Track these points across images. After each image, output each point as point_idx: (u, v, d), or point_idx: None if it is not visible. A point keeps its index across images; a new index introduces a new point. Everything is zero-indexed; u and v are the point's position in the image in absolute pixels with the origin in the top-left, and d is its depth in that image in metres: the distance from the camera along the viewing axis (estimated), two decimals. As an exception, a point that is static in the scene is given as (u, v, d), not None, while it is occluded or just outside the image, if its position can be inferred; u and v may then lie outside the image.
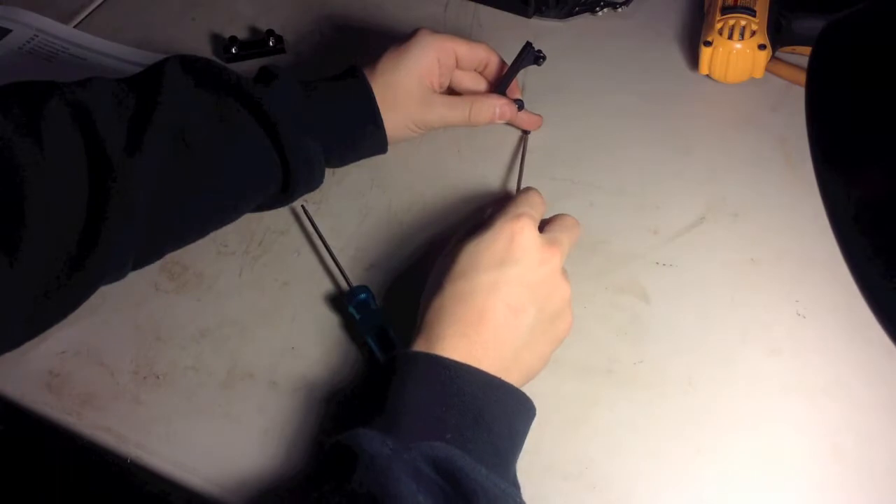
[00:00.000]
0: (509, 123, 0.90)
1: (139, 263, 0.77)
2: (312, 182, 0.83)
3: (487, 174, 0.87)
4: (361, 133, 0.84)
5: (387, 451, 0.57)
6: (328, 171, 0.87)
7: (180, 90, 0.75)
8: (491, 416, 0.61)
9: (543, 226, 0.73)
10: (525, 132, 0.90)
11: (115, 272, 0.75)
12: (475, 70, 0.89)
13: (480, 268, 0.66)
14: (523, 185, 0.83)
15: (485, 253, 0.66)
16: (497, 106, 0.87)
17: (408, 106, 0.84)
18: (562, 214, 0.74)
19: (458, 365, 0.62)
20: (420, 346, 0.64)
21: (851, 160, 0.50)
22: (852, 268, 0.49)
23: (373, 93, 0.83)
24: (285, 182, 0.80)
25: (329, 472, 0.59)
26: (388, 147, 0.86)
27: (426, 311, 0.66)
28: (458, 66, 0.88)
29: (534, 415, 0.66)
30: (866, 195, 0.49)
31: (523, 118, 0.89)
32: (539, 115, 0.90)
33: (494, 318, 0.64)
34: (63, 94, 0.72)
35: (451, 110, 0.86)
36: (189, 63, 0.78)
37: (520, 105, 0.89)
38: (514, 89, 0.91)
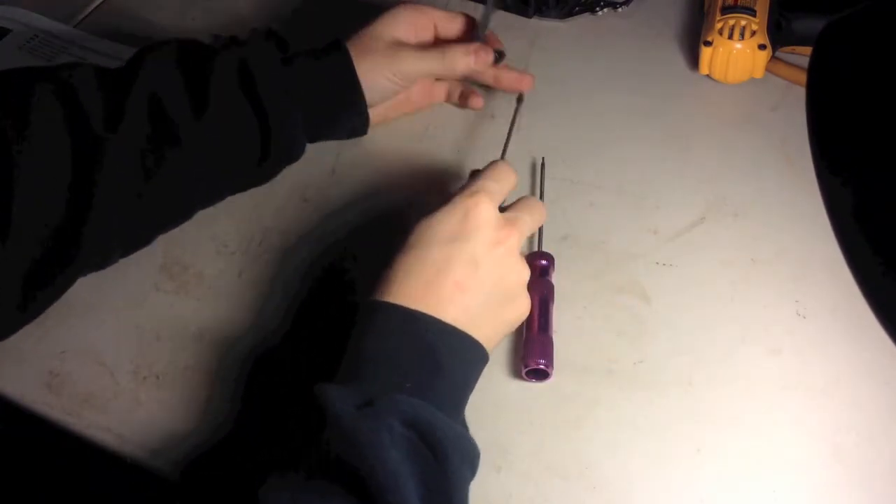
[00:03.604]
0: (499, 88, 0.89)
1: (128, 247, 0.77)
2: (293, 145, 0.82)
3: (487, 174, 0.87)
4: (337, 91, 0.82)
5: (351, 409, 0.58)
6: (328, 173, 0.87)
7: (159, 67, 0.76)
8: (448, 364, 0.62)
9: (508, 206, 0.72)
10: (519, 99, 0.88)
11: (102, 254, 0.75)
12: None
13: (432, 242, 0.65)
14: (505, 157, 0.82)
15: (438, 228, 0.66)
16: (471, 50, 0.84)
17: (380, 53, 0.82)
18: (528, 196, 0.74)
19: (415, 313, 0.63)
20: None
21: (852, 160, 0.50)
22: (853, 268, 0.49)
23: (348, 50, 0.82)
24: (265, 146, 0.79)
25: (302, 425, 0.60)
26: (371, 112, 0.85)
27: (376, 283, 0.66)
28: (436, 35, 0.88)
29: (486, 361, 0.67)
30: (867, 195, 0.49)
31: (510, 77, 0.88)
32: (530, 75, 0.88)
33: (440, 292, 0.64)
34: (49, 76, 0.73)
35: (424, 58, 0.84)
36: (172, 43, 0.79)
37: (499, 55, 0.87)
38: (494, 41, 0.90)
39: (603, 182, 0.86)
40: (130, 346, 0.76)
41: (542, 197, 0.84)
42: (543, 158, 0.86)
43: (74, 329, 0.77)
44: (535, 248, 0.79)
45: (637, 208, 0.84)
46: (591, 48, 0.99)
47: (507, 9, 1.02)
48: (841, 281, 0.57)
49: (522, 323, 0.74)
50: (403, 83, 0.84)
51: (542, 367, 0.71)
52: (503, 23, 1.02)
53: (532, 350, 0.72)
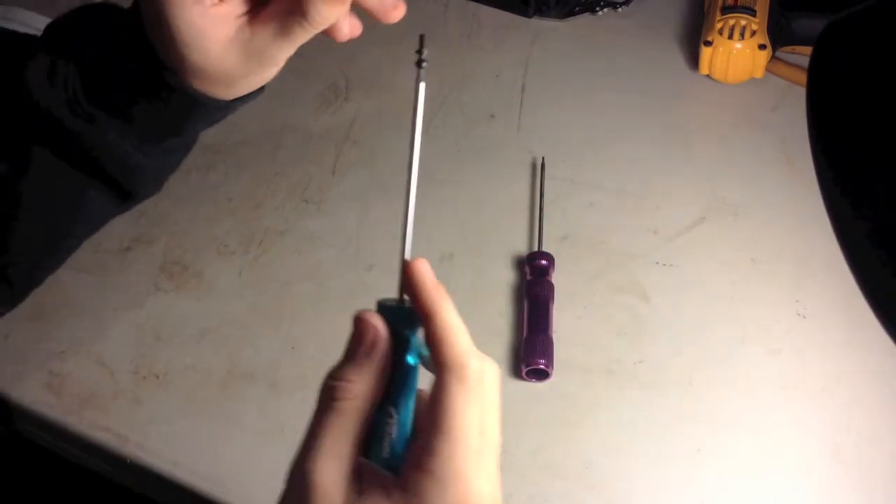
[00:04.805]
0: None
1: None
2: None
3: (487, 173, 0.87)
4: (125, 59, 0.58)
5: None
6: (328, 173, 0.87)
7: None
8: None
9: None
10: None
11: None
12: None
13: None
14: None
15: None
16: None
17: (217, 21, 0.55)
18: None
19: None
20: None
21: (853, 161, 0.49)
22: (852, 267, 0.49)
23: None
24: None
25: None
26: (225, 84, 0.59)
27: None
28: None
29: None
30: (867, 195, 0.49)
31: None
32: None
33: None
34: None
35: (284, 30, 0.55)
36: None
37: None
38: None
39: (603, 182, 0.86)
40: (130, 346, 0.76)
41: (542, 197, 0.83)
42: (543, 158, 0.86)
43: (74, 329, 0.77)
44: (535, 248, 0.79)
45: (637, 208, 0.84)
46: (591, 48, 0.99)
47: (506, 8, 1.02)
48: (841, 281, 0.57)
49: (522, 323, 0.74)
50: (260, 67, 0.58)
51: (542, 366, 0.71)
52: (503, 23, 1.02)
53: (532, 350, 0.72)
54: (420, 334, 0.43)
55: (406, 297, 0.44)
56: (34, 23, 1.05)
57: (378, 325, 0.43)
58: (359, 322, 0.44)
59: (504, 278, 0.79)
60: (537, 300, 0.75)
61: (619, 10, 1.02)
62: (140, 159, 0.63)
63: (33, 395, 0.74)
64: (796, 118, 0.78)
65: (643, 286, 0.78)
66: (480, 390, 0.41)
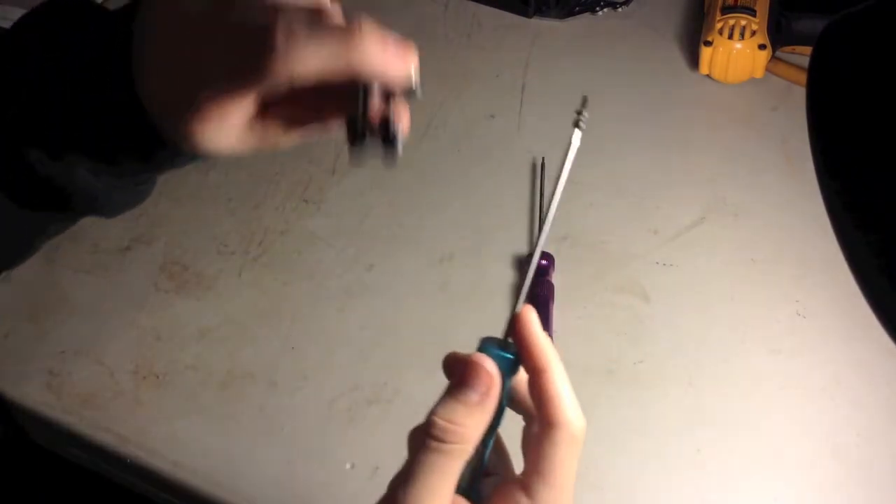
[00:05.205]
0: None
1: None
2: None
3: (487, 173, 0.87)
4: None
5: None
6: (328, 173, 0.87)
7: None
8: None
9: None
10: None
11: None
12: None
13: None
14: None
15: None
16: (388, 42, 0.49)
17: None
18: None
19: None
20: None
21: (853, 160, 0.49)
22: (852, 267, 0.49)
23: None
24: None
25: None
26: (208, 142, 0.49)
27: None
28: None
29: None
30: (867, 195, 0.49)
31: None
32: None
33: None
34: None
35: (316, 37, 0.46)
36: None
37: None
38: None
39: (603, 182, 0.86)
40: (130, 346, 0.76)
41: (542, 197, 0.83)
42: (543, 158, 0.86)
43: (74, 329, 0.77)
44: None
45: (637, 208, 0.84)
46: (591, 48, 0.99)
47: (506, 8, 1.02)
48: (841, 281, 0.57)
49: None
50: (266, 149, 0.51)
51: (542, 367, 0.71)
52: (503, 23, 1.02)
53: (532, 350, 0.72)
54: (515, 377, 0.45)
55: (510, 340, 0.45)
56: (34, 23, 1.05)
57: (494, 372, 0.44)
58: (474, 366, 0.44)
59: (504, 278, 0.79)
60: (537, 300, 0.75)
61: (619, 10, 1.02)
62: (110, 193, 0.55)
63: (33, 395, 0.74)
64: (796, 118, 0.79)
65: (643, 286, 0.78)
66: (581, 444, 0.44)
